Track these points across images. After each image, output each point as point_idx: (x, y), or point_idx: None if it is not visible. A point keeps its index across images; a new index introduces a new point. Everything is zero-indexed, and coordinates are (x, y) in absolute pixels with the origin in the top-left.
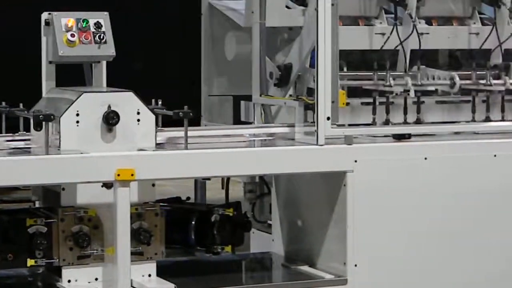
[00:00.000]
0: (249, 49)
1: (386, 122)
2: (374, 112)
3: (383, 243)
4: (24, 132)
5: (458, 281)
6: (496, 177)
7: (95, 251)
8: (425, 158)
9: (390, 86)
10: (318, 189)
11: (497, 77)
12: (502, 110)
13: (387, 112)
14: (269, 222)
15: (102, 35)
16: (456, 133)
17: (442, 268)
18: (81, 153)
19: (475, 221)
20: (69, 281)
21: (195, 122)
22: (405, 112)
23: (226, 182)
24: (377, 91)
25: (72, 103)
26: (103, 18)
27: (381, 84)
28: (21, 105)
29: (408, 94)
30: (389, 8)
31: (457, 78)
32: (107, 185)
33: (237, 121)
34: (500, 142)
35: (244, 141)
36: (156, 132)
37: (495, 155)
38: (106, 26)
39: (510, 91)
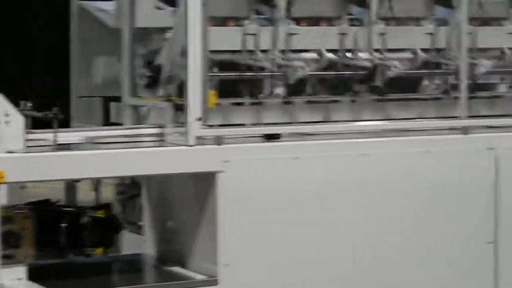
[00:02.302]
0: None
1: (257, 123)
2: (245, 113)
3: (253, 243)
4: None
5: (330, 279)
6: (364, 176)
7: None
8: (295, 158)
9: (260, 86)
10: (189, 190)
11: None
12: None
13: (258, 112)
14: (140, 223)
15: None
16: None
17: (312, 267)
18: None
19: (344, 219)
20: None
21: (65, 124)
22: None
23: (96, 183)
24: (248, 91)
25: None
26: None
27: (252, 84)
28: None
29: (279, 94)
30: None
31: None
32: None
33: (107, 122)
34: (368, 141)
35: (114, 143)
36: (25, 134)
37: (363, 154)
38: None
39: (381, 92)
